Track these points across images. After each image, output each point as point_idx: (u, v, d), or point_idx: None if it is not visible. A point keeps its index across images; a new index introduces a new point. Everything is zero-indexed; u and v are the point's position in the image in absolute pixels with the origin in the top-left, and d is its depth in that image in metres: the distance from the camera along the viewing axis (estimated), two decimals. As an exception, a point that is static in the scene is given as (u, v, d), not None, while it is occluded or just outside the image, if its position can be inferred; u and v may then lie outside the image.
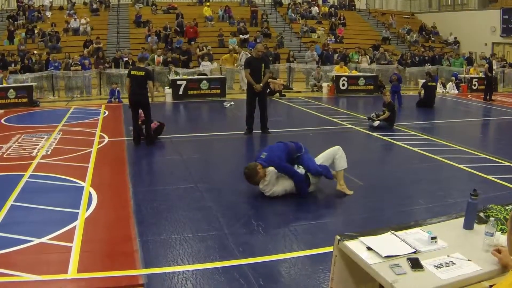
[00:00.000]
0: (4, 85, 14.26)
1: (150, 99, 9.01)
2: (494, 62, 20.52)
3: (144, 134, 9.02)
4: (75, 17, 22.09)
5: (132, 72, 9.00)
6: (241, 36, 22.43)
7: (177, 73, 16.60)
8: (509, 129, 11.93)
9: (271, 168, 5.83)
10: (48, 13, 22.95)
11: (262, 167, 5.83)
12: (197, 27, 22.32)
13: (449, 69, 20.93)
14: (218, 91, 15.95)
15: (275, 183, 5.87)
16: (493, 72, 16.76)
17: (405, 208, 5.68)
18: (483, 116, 13.92)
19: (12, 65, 16.62)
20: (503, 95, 17.72)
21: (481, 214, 3.13)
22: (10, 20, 21.40)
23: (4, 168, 7.31)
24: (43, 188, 6.33)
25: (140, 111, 8.98)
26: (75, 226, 4.98)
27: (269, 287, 3.85)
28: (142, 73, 8.89)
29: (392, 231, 2.95)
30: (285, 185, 5.92)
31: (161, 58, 17.83)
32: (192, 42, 20.94)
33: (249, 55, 15.97)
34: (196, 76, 16.65)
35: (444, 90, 18.25)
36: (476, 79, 19.05)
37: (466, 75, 19.43)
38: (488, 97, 16.15)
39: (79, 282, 3.93)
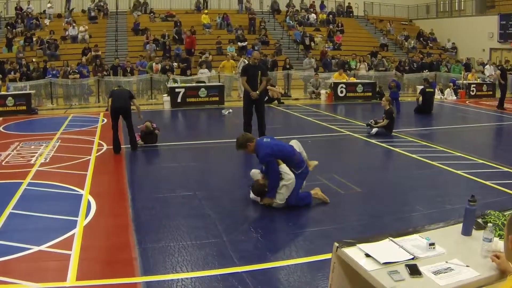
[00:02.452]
0: (3, 93, 14.28)
1: (138, 116, 9.32)
2: (492, 67, 20.61)
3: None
4: (73, 24, 22.13)
5: (115, 88, 9.66)
6: (239, 43, 22.50)
7: (175, 81, 16.62)
8: (508, 134, 11.94)
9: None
10: (47, 21, 23.01)
11: (254, 147, 5.87)
12: (195, 35, 22.36)
13: (447, 75, 20.97)
14: (217, 98, 15.95)
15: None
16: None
17: (403, 215, 5.69)
18: (482, 122, 13.90)
19: (12, 73, 16.63)
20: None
21: (480, 220, 3.13)
22: (9, 27, 21.45)
23: (3, 176, 7.31)
24: (41, 196, 6.32)
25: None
26: (73, 234, 4.97)
27: (268, 294, 3.85)
28: (126, 89, 9.95)
29: (391, 238, 2.95)
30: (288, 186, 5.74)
31: (159, 66, 17.87)
32: (192, 54, 20.96)
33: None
34: (194, 84, 16.68)
35: (442, 97, 18.29)
36: (474, 85, 19.11)
37: (464, 81, 19.48)
38: (500, 104, 15.64)
39: (78, 290, 3.93)
